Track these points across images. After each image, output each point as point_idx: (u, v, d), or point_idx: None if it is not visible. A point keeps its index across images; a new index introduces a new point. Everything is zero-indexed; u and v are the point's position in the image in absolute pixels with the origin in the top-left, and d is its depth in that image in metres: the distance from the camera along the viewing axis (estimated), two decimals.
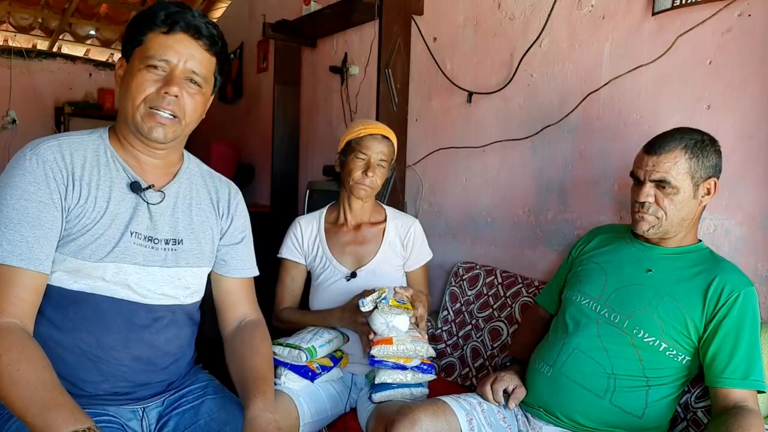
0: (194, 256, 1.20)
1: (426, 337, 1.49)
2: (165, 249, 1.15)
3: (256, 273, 1.36)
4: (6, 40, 4.62)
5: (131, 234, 1.11)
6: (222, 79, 1.20)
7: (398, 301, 1.45)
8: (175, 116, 1.09)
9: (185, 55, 1.07)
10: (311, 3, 2.75)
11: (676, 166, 1.26)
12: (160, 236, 1.15)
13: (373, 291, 1.47)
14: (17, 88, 4.63)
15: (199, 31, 1.08)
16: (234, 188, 1.34)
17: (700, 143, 1.28)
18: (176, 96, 1.07)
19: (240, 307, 1.31)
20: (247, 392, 1.13)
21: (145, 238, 1.12)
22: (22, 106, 4.66)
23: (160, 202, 1.16)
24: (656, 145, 1.30)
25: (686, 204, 1.29)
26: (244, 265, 1.31)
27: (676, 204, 1.29)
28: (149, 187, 1.14)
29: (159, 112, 1.08)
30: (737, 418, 1.12)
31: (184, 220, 1.19)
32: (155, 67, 1.07)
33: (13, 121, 4.64)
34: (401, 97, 2.33)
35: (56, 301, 1.07)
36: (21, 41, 4.67)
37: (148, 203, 1.14)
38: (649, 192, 1.30)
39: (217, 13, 4.48)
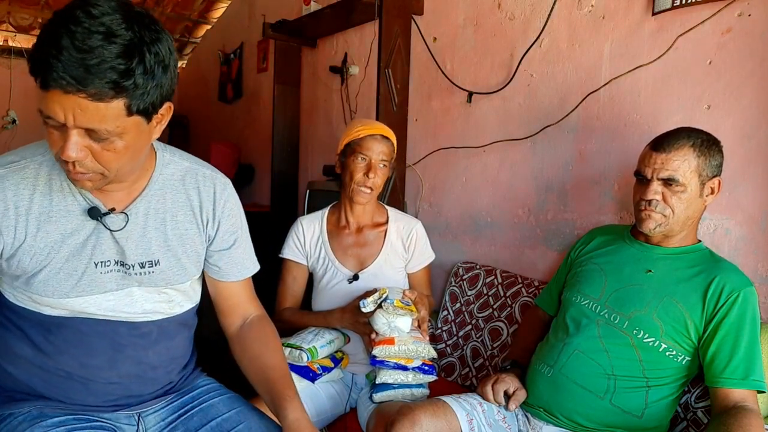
0: (174, 274, 1.11)
1: (428, 338, 1.49)
2: (140, 273, 1.06)
3: (257, 268, 1.27)
4: (6, 40, 4.62)
5: (96, 265, 1.01)
6: (159, 103, 0.91)
7: (403, 303, 1.45)
8: (91, 172, 0.91)
9: (71, 112, 0.83)
10: (311, 3, 2.75)
11: (685, 163, 1.27)
12: (130, 261, 1.05)
13: (374, 291, 1.47)
14: (17, 88, 4.62)
15: (81, 81, 0.79)
16: (221, 183, 1.18)
17: (706, 142, 1.28)
18: (74, 163, 0.88)
19: (242, 307, 1.25)
20: (277, 393, 1.09)
21: (115, 263, 1.04)
22: (22, 106, 4.66)
23: (124, 226, 1.03)
24: (665, 143, 1.30)
25: (693, 202, 1.29)
26: (241, 266, 1.22)
27: (683, 202, 1.29)
28: (110, 211, 1.02)
29: (71, 173, 0.91)
30: (737, 418, 1.12)
31: (157, 239, 1.07)
32: (50, 123, 0.86)
33: (13, 121, 4.64)
34: (401, 97, 2.33)
35: (37, 325, 1.04)
36: (21, 41, 4.66)
37: (110, 230, 1.02)
38: (656, 189, 1.30)
39: (217, 13, 4.48)
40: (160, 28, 0.89)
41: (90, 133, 0.86)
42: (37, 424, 1.01)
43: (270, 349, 1.19)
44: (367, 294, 1.47)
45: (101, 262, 1.02)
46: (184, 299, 1.18)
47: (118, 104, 0.84)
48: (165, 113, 0.96)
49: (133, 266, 1.05)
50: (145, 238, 1.06)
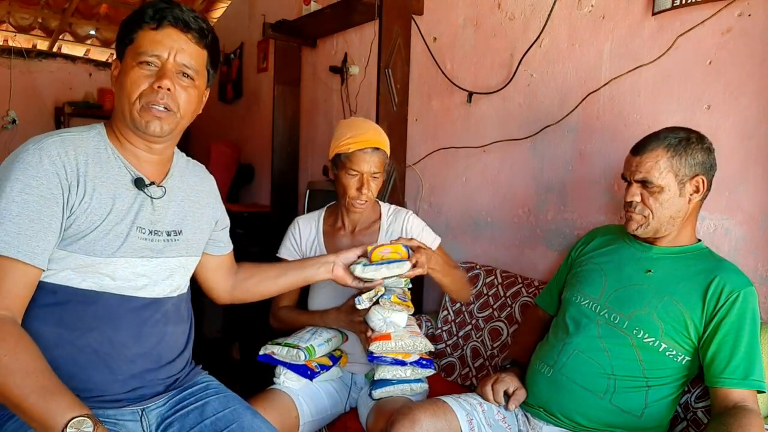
0: (192, 245, 1.25)
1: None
2: (166, 240, 1.18)
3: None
4: (6, 40, 4.62)
5: (137, 229, 1.13)
6: (215, 73, 1.22)
7: (400, 299, 1.44)
8: (169, 109, 1.10)
9: (175, 49, 1.09)
10: (311, 3, 2.75)
11: (657, 165, 1.28)
12: (162, 228, 1.17)
13: (369, 288, 1.45)
14: (17, 88, 4.63)
15: (187, 24, 1.09)
16: (210, 175, 1.39)
17: (684, 141, 1.28)
18: (169, 89, 1.09)
19: (233, 268, 1.44)
20: (306, 262, 1.44)
21: (149, 232, 1.15)
22: (22, 106, 4.66)
23: (162, 196, 1.18)
24: (639, 146, 1.33)
25: (673, 202, 1.30)
26: (230, 242, 1.44)
27: (662, 203, 1.30)
28: (152, 183, 1.16)
29: (154, 106, 1.09)
30: (737, 418, 1.12)
31: (181, 212, 1.22)
32: (147, 63, 1.08)
33: (13, 121, 4.64)
34: (401, 97, 2.33)
35: (66, 301, 1.07)
36: (21, 41, 4.66)
37: (152, 198, 1.16)
38: (635, 192, 1.33)
39: (217, 13, 4.48)
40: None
41: (182, 71, 1.11)
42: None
43: (263, 267, 1.46)
44: (361, 291, 1.45)
45: (140, 227, 1.13)
46: (184, 282, 1.27)
47: (204, 54, 1.15)
48: (207, 92, 1.23)
49: (162, 233, 1.17)
50: (173, 211, 1.21)
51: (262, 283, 1.44)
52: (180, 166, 1.27)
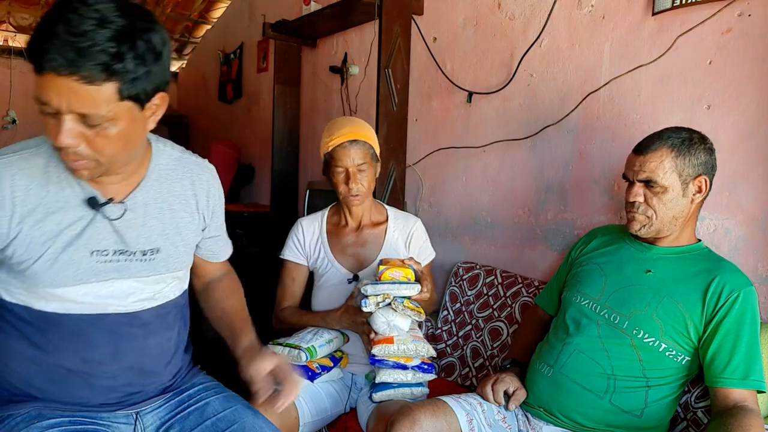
0: (174, 261, 1.14)
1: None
2: (141, 260, 1.08)
3: (231, 243, 1.38)
4: (6, 40, 4.62)
5: (93, 253, 1.02)
6: (150, 89, 0.92)
7: (412, 304, 1.45)
8: (86, 159, 0.93)
9: (64, 98, 0.85)
10: (311, 3, 2.75)
11: (662, 165, 1.28)
12: (133, 248, 1.07)
13: (367, 285, 1.46)
14: (17, 88, 4.62)
15: (73, 63, 0.82)
16: (210, 171, 1.24)
17: (687, 141, 1.28)
18: (70, 147, 0.89)
19: (217, 272, 1.37)
20: (235, 329, 1.22)
21: (115, 252, 1.05)
22: (22, 106, 4.65)
23: (122, 215, 1.05)
24: (643, 146, 1.32)
25: (676, 202, 1.30)
26: (227, 246, 1.35)
27: (665, 203, 1.29)
28: (108, 201, 1.03)
29: (67, 162, 0.94)
30: (737, 418, 1.12)
31: (157, 227, 1.10)
32: (45, 110, 0.88)
33: (13, 121, 4.63)
34: (401, 97, 2.33)
35: (34, 323, 1.04)
36: (21, 41, 4.66)
37: (109, 219, 1.03)
38: (638, 192, 1.32)
39: (216, 13, 4.48)
40: (154, 20, 0.92)
41: (83, 118, 0.87)
42: (33, 425, 1.01)
43: (233, 296, 1.32)
44: (357, 290, 1.47)
45: (98, 251, 1.03)
46: (177, 284, 1.20)
47: (110, 88, 0.86)
48: (159, 104, 0.98)
49: (135, 253, 1.07)
50: (146, 227, 1.09)
51: (211, 309, 1.33)
52: (160, 172, 1.12)
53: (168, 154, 1.15)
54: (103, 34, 0.83)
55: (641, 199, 1.32)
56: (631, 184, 1.34)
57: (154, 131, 1.06)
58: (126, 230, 1.06)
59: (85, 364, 1.06)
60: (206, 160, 1.25)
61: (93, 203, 1.02)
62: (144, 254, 1.08)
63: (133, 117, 0.93)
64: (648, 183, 1.30)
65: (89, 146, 0.90)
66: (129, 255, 1.07)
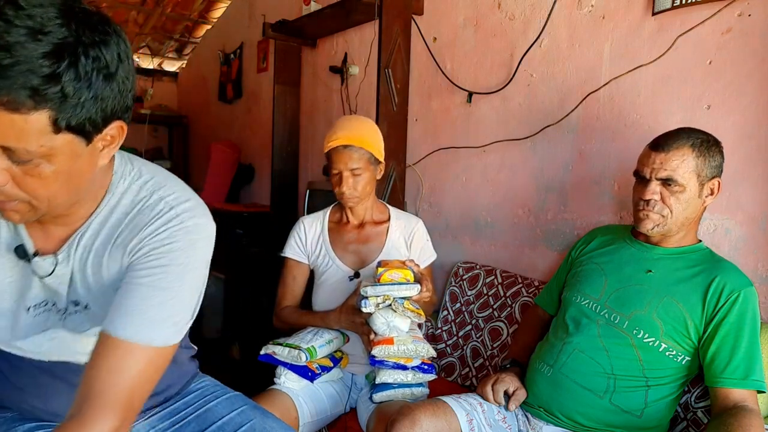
0: (102, 320, 0.91)
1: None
2: (75, 313, 0.92)
3: (161, 342, 0.84)
4: None
5: (28, 309, 0.89)
6: (99, 118, 0.72)
7: (413, 306, 1.45)
8: (17, 201, 0.75)
9: None
10: (311, 3, 2.75)
11: (684, 164, 1.26)
12: (63, 304, 0.91)
13: (368, 284, 1.45)
14: None
15: None
16: (172, 213, 0.88)
17: (706, 143, 1.28)
18: None
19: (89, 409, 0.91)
20: None
21: (48, 304, 0.91)
22: None
23: (52, 272, 0.87)
24: (664, 143, 1.29)
25: (691, 203, 1.29)
26: (129, 318, 0.82)
27: (681, 202, 1.28)
28: (35, 254, 0.86)
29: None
30: (737, 418, 1.12)
31: (95, 285, 0.89)
32: None
33: None
34: (401, 97, 2.33)
35: None
36: None
37: (39, 276, 0.88)
38: (655, 189, 1.30)
39: (216, 13, 4.48)
40: (110, 30, 0.72)
41: (8, 152, 0.69)
42: (14, 428, 0.99)
43: None
44: (358, 291, 1.47)
45: (34, 306, 0.89)
46: None
47: (41, 117, 0.66)
48: (116, 135, 0.78)
49: (67, 308, 0.91)
50: (77, 283, 0.90)
51: None
52: (105, 217, 0.88)
53: (132, 194, 0.89)
54: (35, 48, 0.63)
55: (658, 197, 1.30)
56: (647, 181, 1.31)
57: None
58: (57, 287, 0.89)
59: (49, 414, 0.99)
60: (191, 203, 0.90)
61: (20, 254, 0.86)
62: (76, 305, 0.91)
63: (75, 153, 0.73)
64: (667, 181, 1.28)
65: (18, 186, 0.72)
66: (62, 311, 0.92)
